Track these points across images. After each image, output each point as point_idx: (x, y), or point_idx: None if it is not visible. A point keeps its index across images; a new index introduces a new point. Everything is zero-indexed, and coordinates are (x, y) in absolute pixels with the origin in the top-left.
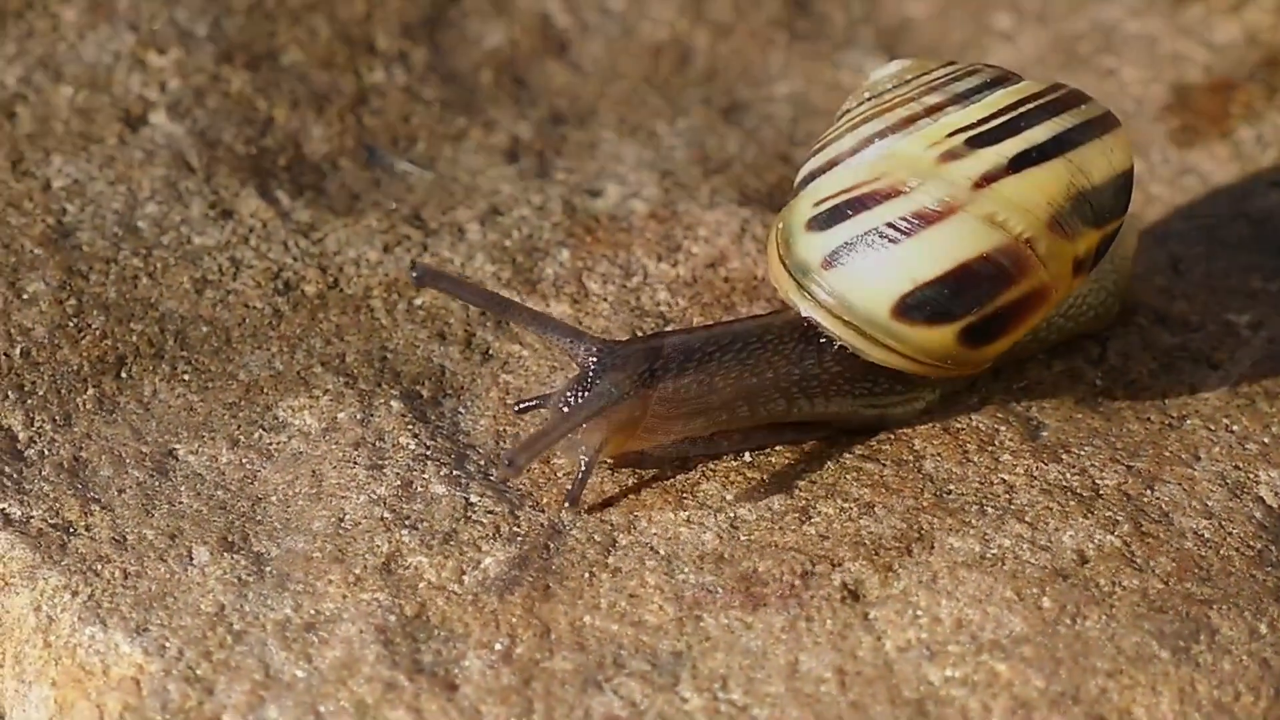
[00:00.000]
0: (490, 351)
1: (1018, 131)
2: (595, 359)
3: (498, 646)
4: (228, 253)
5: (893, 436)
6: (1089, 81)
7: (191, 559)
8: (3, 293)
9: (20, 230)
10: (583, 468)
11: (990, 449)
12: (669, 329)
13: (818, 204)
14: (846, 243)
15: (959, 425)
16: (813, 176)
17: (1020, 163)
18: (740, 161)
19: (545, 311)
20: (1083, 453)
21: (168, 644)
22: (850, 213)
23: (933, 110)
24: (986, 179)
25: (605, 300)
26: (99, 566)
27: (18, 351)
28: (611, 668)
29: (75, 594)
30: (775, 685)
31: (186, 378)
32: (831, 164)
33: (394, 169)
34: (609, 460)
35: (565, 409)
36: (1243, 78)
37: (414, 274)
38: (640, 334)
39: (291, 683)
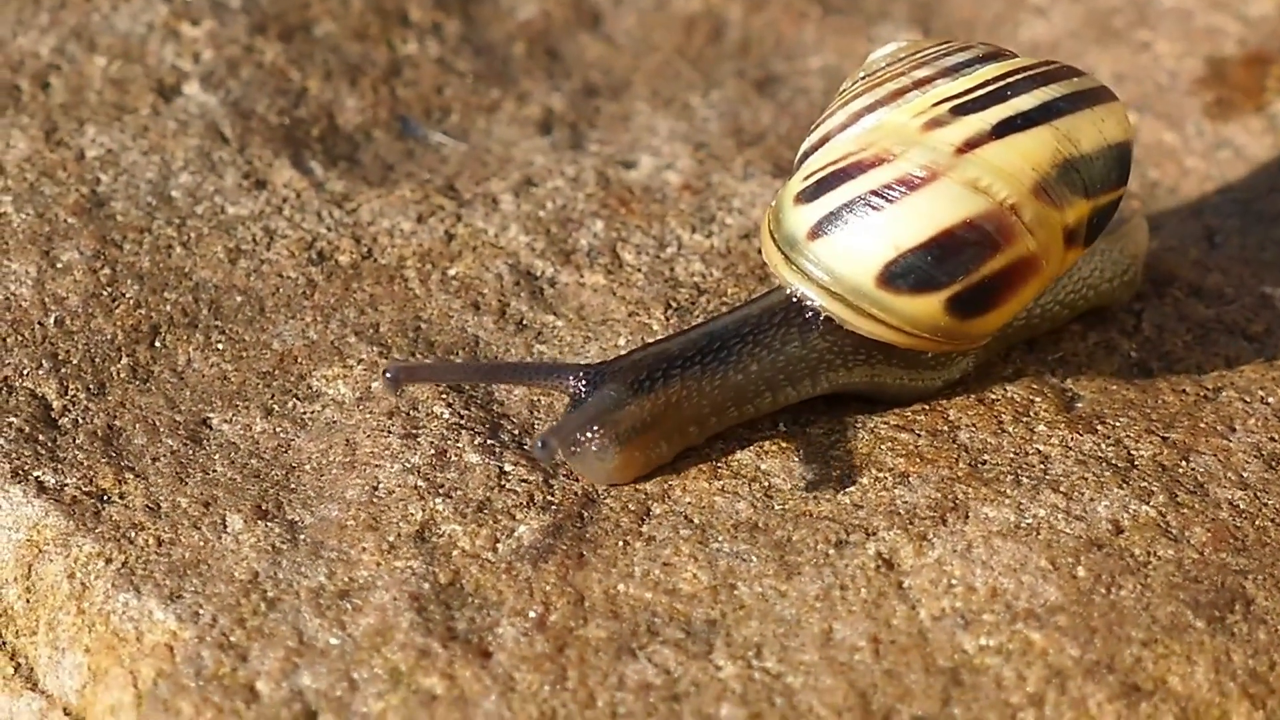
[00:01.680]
0: (524, 322)
1: (1004, 99)
2: (585, 382)
3: (531, 614)
4: (261, 223)
5: (927, 407)
6: (1123, 55)
7: (225, 527)
8: (37, 262)
9: (54, 200)
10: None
11: (1025, 420)
12: (649, 341)
13: (807, 178)
14: (831, 213)
15: (994, 396)
16: (806, 154)
17: (1004, 129)
18: (774, 134)
19: (525, 361)
20: (1118, 424)
21: (201, 611)
22: (836, 183)
23: (922, 83)
24: (969, 144)
25: (639, 271)
26: (133, 534)
27: (52, 320)
28: (645, 635)
29: (109, 561)
30: (809, 653)
31: (220, 347)
32: (824, 140)
33: (427, 140)
34: (623, 485)
35: (545, 435)
36: (1277, 51)
37: (387, 376)
38: (635, 344)
39: (325, 650)
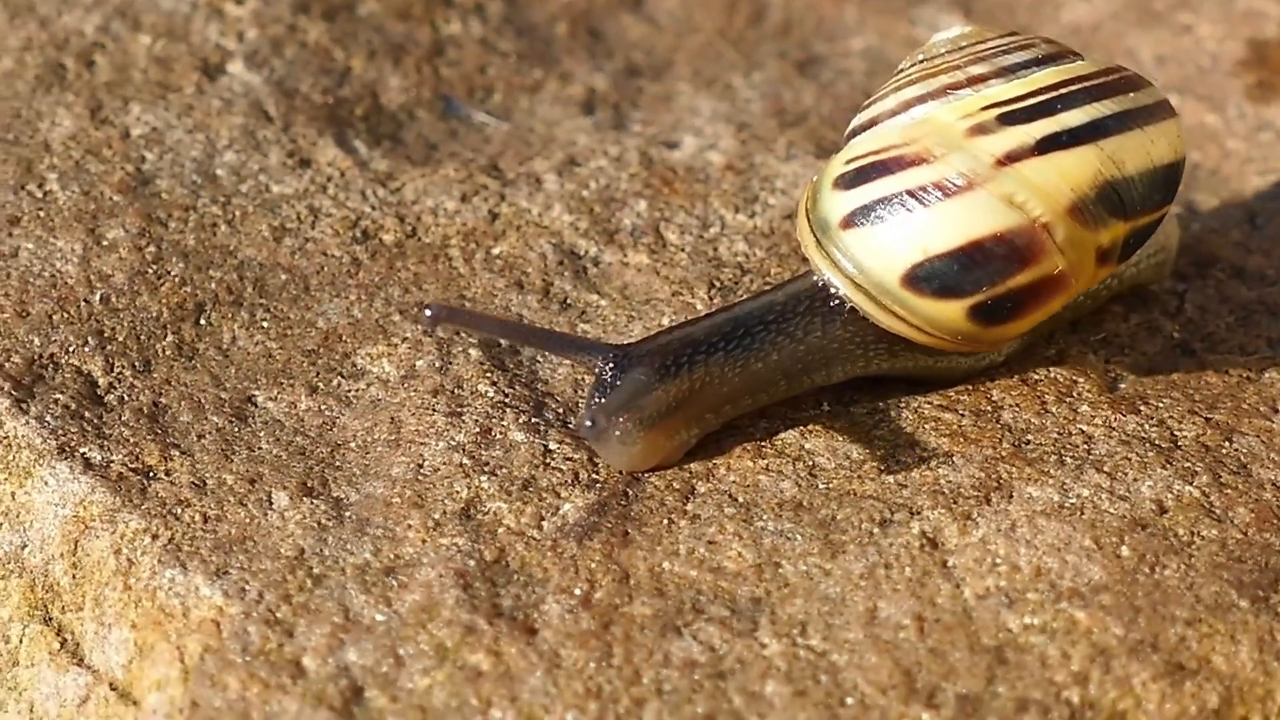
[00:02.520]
0: (568, 301)
1: (1052, 113)
2: (611, 364)
3: (577, 591)
4: (306, 201)
5: (971, 388)
6: (1165, 37)
7: (271, 504)
8: (83, 239)
9: (100, 177)
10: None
11: (1068, 400)
12: (672, 325)
13: (849, 161)
14: (866, 205)
15: (1037, 376)
16: (855, 133)
17: (1047, 145)
18: (816, 115)
19: (557, 331)
20: (1161, 404)
21: (248, 587)
22: (874, 175)
23: (975, 81)
24: (1010, 157)
25: (683, 250)
26: (179, 510)
27: (98, 298)
28: (690, 613)
29: (155, 537)
30: (854, 631)
31: (265, 325)
32: (872, 122)
33: (471, 120)
34: (648, 471)
35: (593, 413)
36: None
37: (428, 314)
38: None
39: (371, 626)
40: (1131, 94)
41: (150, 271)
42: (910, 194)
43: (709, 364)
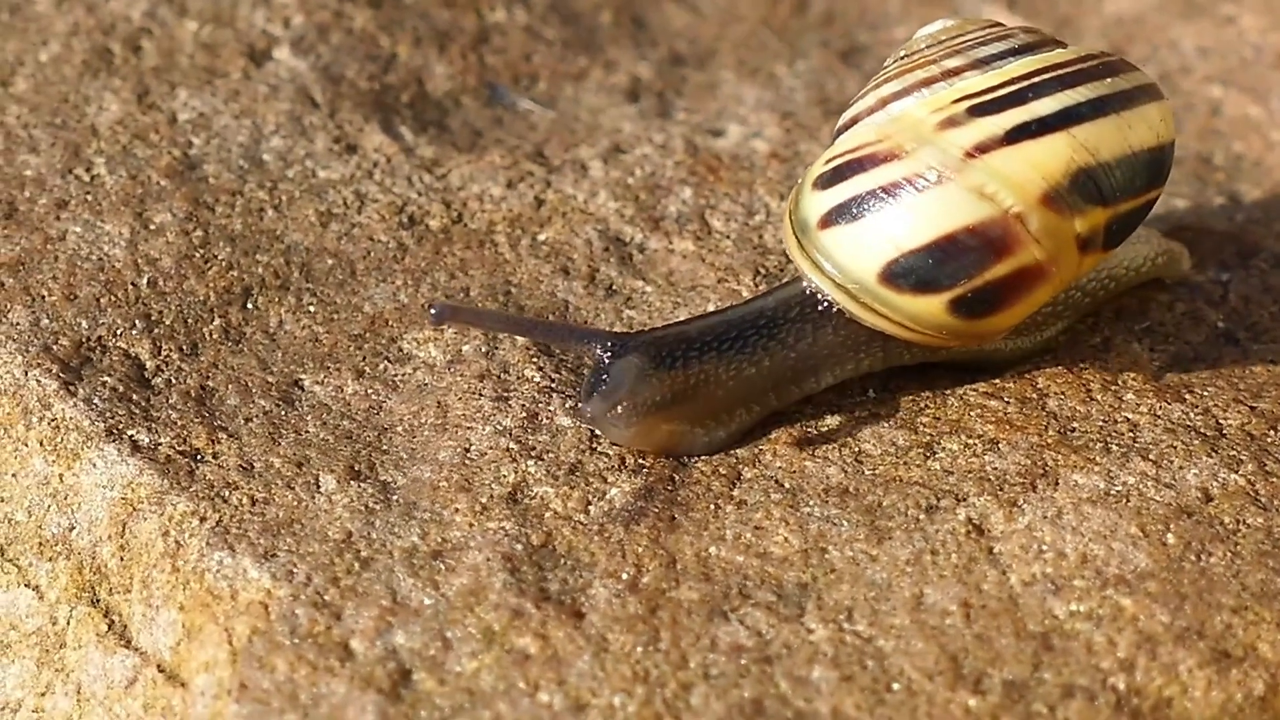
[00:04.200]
0: (614, 287)
1: (1023, 102)
2: (610, 351)
3: (624, 576)
4: (352, 186)
5: (1016, 375)
6: (1208, 29)
7: (319, 487)
8: (130, 223)
9: (147, 162)
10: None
11: (1114, 388)
12: (666, 324)
13: (828, 161)
14: (841, 204)
15: (1082, 365)
16: (838, 132)
17: (1016, 135)
18: None
19: (556, 321)
20: (1206, 393)
21: (295, 570)
22: (849, 173)
23: (950, 74)
24: (979, 149)
25: (728, 238)
26: (227, 493)
27: (145, 281)
28: (737, 598)
29: (203, 520)
30: (900, 617)
31: (312, 309)
32: (853, 120)
33: (516, 107)
34: (643, 451)
35: (589, 395)
36: None
37: (432, 312)
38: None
39: (419, 609)
40: (1109, 79)
41: (197, 255)
42: (883, 190)
43: (703, 362)
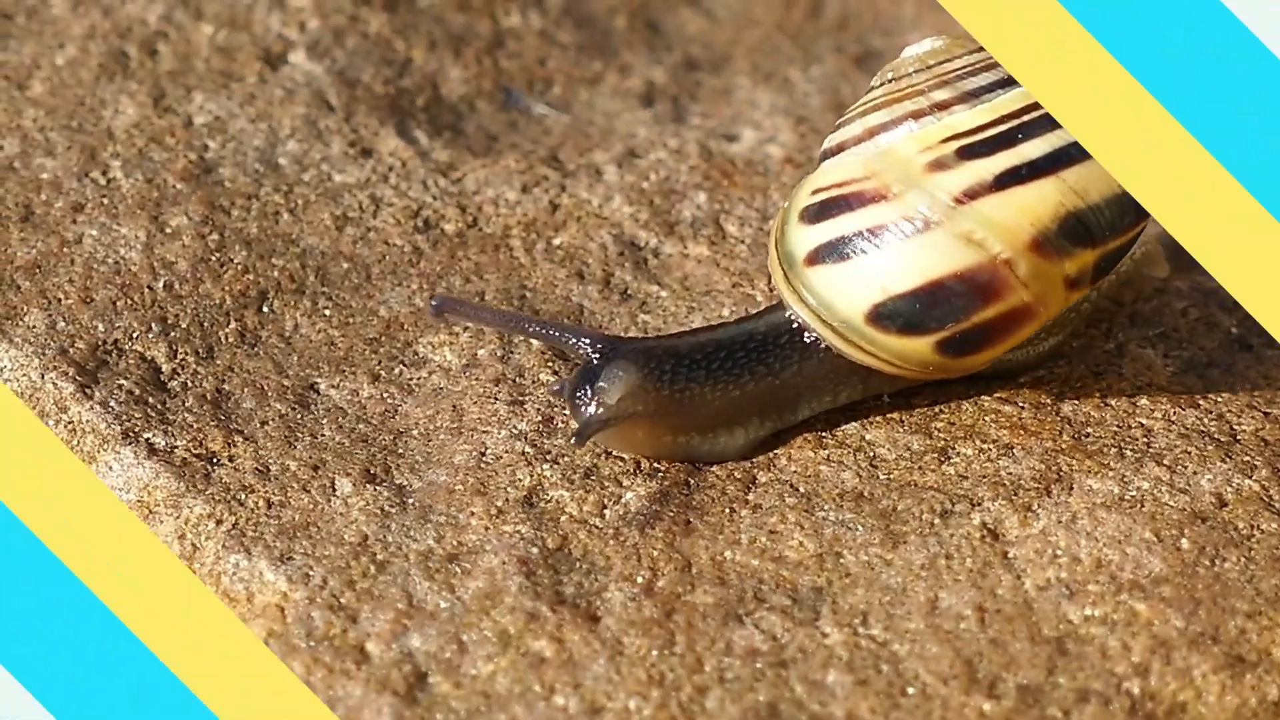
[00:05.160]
0: (629, 291)
1: (1013, 144)
2: (597, 353)
3: (639, 580)
4: (368, 190)
5: (1030, 380)
6: None
7: (334, 490)
8: (146, 226)
9: (163, 165)
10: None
11: (1128, 394)
12: (658, 336)
13: (815, 193)
14: (828, 242)
15: (1096, 370)
16: (824, 157)
17: (1006, 180)
18: None
19: (548, 320)
20: (1220, 399)
21: (312, 573)
22: (835, 211)
23: (939, 107)
24: (968, 195)
25: (743, 242)
26: (243, 496)
27: (161, 285)
28: (752, 602)
29: (219, 523)
30: (915, 621)
31: (327, 313)
32: (839, 148)
33: (531, 111)
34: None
35: (577, 397)
36: None
37: (433, 304)
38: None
39: (435, 612)
40: None
41: (213, 259)
42: (871, 232)
43: (690, 378)
